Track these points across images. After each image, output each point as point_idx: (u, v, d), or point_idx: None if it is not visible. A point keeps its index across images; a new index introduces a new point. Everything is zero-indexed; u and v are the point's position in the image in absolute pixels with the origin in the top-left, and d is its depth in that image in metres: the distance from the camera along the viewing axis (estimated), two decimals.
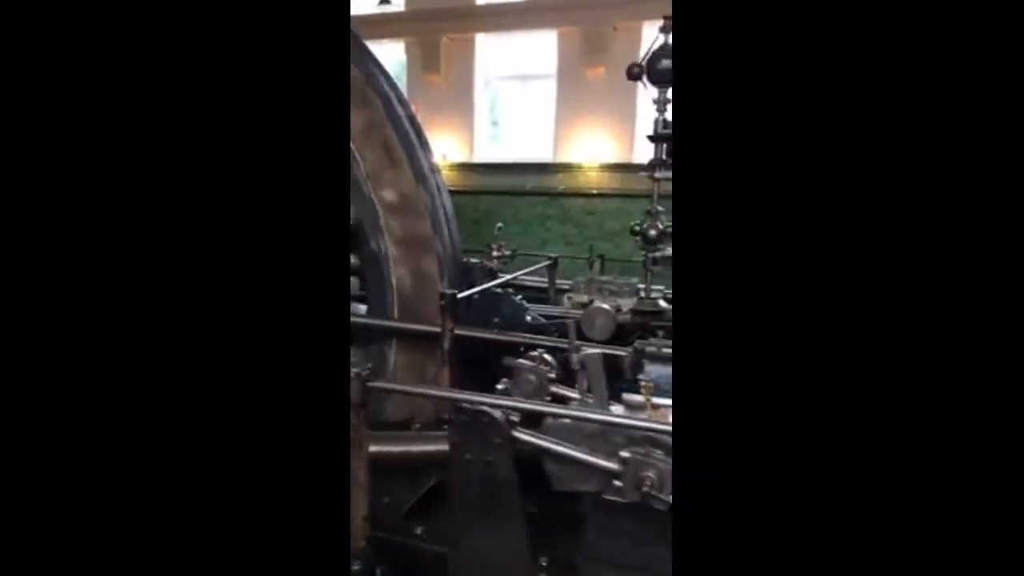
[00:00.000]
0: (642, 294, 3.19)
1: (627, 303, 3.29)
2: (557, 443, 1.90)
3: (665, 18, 3.01)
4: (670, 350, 2.39)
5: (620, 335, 2.85)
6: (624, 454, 1.79)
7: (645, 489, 1.74)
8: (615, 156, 8.94)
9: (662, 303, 3.18)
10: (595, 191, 9.07)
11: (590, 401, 2.10)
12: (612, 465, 1.82)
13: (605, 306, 2.95)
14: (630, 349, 2.47)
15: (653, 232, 3.00)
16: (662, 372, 2.25)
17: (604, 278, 4.02)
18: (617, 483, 1.80)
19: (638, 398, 2.03)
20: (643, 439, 1.81)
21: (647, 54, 2.96)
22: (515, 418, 1.90)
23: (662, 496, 1.73)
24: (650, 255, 3.03)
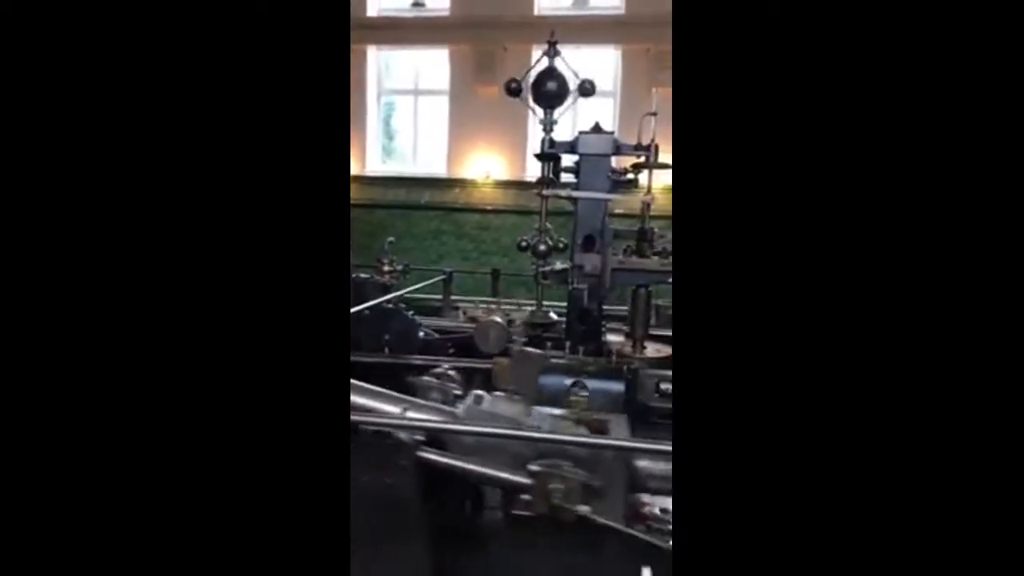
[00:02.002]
0: (534, 307, 3.28)
1: (520, 316, 3.36)
2: (464, 460, 1.86)
3: (549, 43, 3.15)
4: (559, 361, 2.46)
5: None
6: (532, 467, 1.79)
7: (555, 501, 1.75)
8: (508, 173, 9.13)
9: (552, 315, 3.28)
10: (490, 207, 9.19)
11: (516, 398, 2.08)
12: (521, 479, 1.82)
13: (498, 319, 2.99)
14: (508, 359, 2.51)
15: (543, 247, 3.10)
16: (553, 382, 2.31)
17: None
18: (525, 497, 1.80)
19: (557, 411, 2.05)
20: (554, 451, 1.83)
21: (525, 73, 3.08)
22: (420, 438, 1.85)
23: (571, 507, 1.76)
24: (541, 269, 3.12)
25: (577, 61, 3.25)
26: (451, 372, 2.24)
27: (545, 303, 3.35)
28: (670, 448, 1.85)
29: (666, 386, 2.42)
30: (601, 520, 1.79)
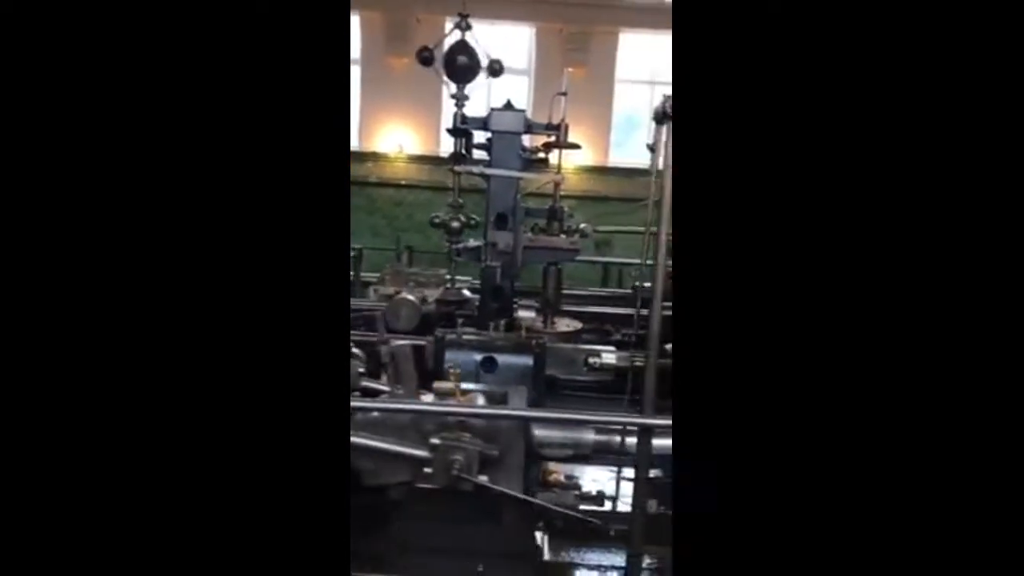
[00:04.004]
0: (447, 285, 3.27)
1: (433, 294, 3.34)
2: (368, 437, 1.87)
3: (460, 15, 3.09)
4: (470, 337, 2.49)
5: (425, 325, 2.89)
6: (434, 440, 1.83)
7: (454, 472, 1.80)
8: (422, 148, 8.95)
9: (466, 292, 3.29)
10: (403, 182, 8.99)
11: (400, 392, 2.10)
12: (422, 453, 1.84)
13: (410, 297, 2.96)
14: (431, 338, 2.52)
15: (456, 224, 3.09)
16: (464, 359, 2.34)
17: (412, 269, 4.02)
18: (427, 470, 1.84)
19: (447, 385, 2.09)
20: (454, 425, 1.86)
21: (437, 43, 3.02)
22: None
23: (471, 478, 1.81)
24: (454, 246, 3.11)
25: (491, 37, 3.22)
26: (356, 351, 2.21)
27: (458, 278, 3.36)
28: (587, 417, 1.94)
29: (594, 360, 2.55)
30: (498, 488, 1.85)
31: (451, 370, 2.13)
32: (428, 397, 2.07)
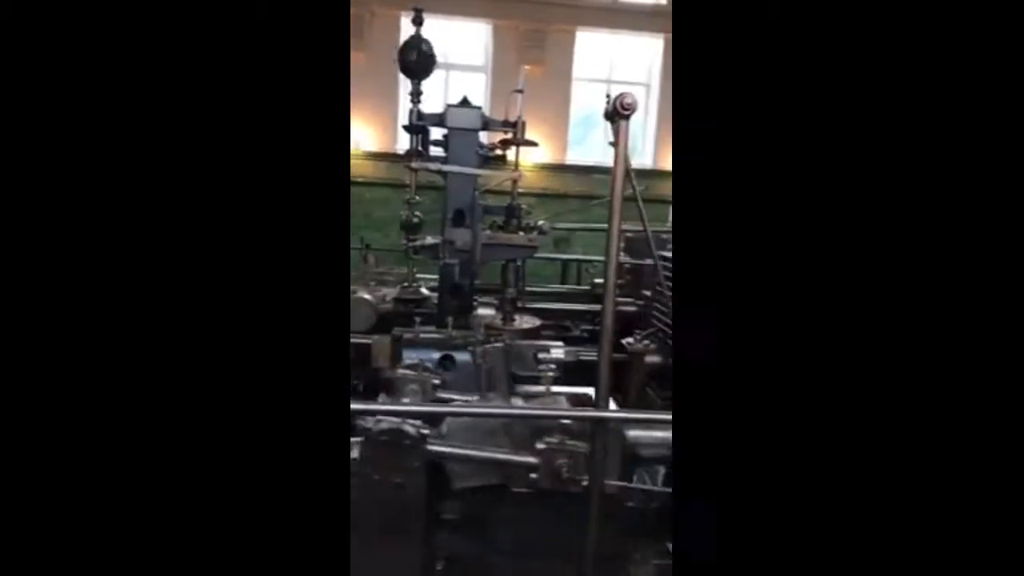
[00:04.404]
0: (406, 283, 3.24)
1: (392, 292, 3.30)
2: (471, 447, 1.87)
3: (416, 9, 3.06)
4: (429, 335, 2.48)
5: (383, 324, 2.86)
6: (540, 445, 1.83)
7: (564, 475, 1.79)
8: (379, 145, 8.84)
9: (424, 291, 3.27)
10: (360, 179, 8.85)
11: (492, 396, 2.09)
12: (528, 458, 1.84)
13: (366, 296, 2.92)
14: (388, 336, 2.49)
15: (414, 221, 3.06)
16: (422, 357, 2.32)
17: (379, 269, 3.97)
18: (533, 475, 1.83)
19: (537, 388, 2.09)
20: (553, 428, 1.87)
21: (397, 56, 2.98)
22: (427, 431, 1.84)
23: (579, 480, 1.82)
24: (411, 244, 3.08)
25: (448, 33, 3.20)
26: (428, 364, 2.19)
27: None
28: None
29: (543, 355, 2.58)
30: (608, 488, 1.90)
31: (544, 372, 2.11)
32: (518, 400, 2.06)
